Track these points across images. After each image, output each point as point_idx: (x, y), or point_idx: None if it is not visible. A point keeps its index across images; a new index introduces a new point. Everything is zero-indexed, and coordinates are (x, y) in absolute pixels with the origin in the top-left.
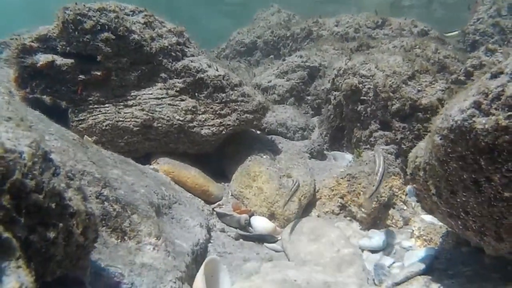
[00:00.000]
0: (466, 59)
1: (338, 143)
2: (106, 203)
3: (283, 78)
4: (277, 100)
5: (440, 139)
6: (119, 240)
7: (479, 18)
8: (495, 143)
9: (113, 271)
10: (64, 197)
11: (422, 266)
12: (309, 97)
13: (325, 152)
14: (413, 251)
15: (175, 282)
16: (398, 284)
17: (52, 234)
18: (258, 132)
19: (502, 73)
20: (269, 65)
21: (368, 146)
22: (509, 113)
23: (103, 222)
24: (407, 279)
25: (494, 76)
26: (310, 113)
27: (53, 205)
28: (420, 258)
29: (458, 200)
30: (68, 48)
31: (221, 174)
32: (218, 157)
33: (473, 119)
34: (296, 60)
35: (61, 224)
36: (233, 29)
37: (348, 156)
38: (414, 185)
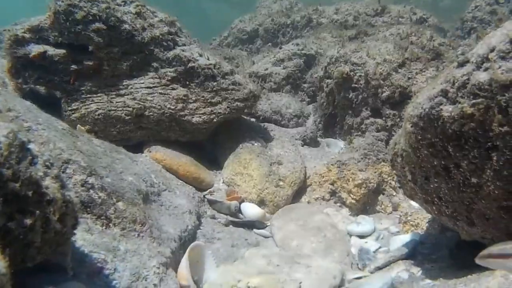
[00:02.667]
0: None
1: (331, 130)
2: (91, 191)
3: (280, 66)
4: (274, 88)
5: (411, 126)
6: (104, 227)
7: (477, 5)
8: (461, 130)
9: (96, 256)
10: (41, 185)
11: (404, 251)
12: (305, 85)
13: (319, 139)
14: (399, 236)
15: (158, 268)
16: (380, 268)
17: (29, 221)
18: (253, 119)
19: (468, 62)
20: (267, 53)
21: (359, 133)
22: (474, 101)
23: (88, 209)
24: (389, 263)
25: (461, 65)
26: (306, 101)
27: (30, 193)
28: (404, 243)
29: (432, 186)
30: (60, 38)
31: (214, 161)
32: (211, 144)
33: (441, 107)
34: (293, 48)
35: (38, 212)
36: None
37: (341, 143)
38: (394, 171)
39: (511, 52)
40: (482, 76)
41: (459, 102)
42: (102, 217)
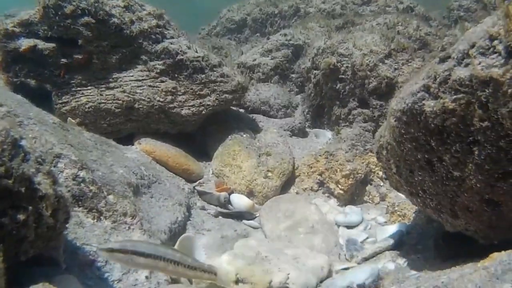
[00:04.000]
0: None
1: (319, 120)
2: (82, 185)
3: (268, 56)
4: (262, 79)
5: (395, 120)
6: (95, 220)
7: None
8: (443, 125)
9: (88, 249)
10: (33, 181)
11: (391, 242)
12: (293, 75)
13: (307, 129)
14: (386, 227)
15: None
16: (367, 259)
17: (22, 217)
18: (242, 110)
19: (449, 57)
20: (256, 43)
21: (347, 123)
22: (455, 96)
23: (80, 203)
24: (376, 254)
25: (442, 60)
26: (295, 91)
27: (22, 189)
28: (391, 233)
29: (416, 179)
30: (49, 32)
31: (204, 152)
32: (200, 135)
33: (423, 102)
34: (281, 38)
35: (31, 207)
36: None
37: (329, 134)
38: (380, 163)
39: (490, 48)
40: (462, 72)
41: (441, 97)
42: (93, 210)
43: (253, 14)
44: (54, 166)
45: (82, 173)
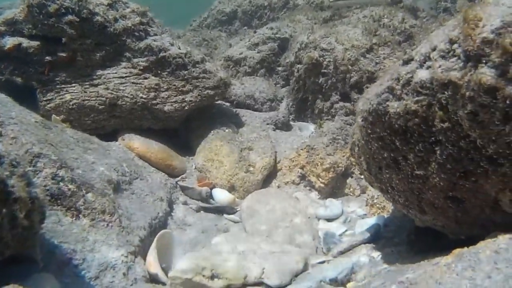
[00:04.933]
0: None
1: (303, 113)
2: (61, 184)
3: (254, 50)
4: (248, 72)
5: (362, 120)
6: (74, 219)
7: None
8: (407, 125)
9: (65, 247)
10: (7, 184)
11: (367, 235)
12: (279, 68)
13: (291, 122)
14: (364, 220)
15: (126, 256)
16: (343, 252)
17: None
18: (227, 103)
19: (412, 60)
20: (244, 36)
21: (329, 117)
22: (417, 98)
23: (58, 201)
24: (352, 247)
25: (406, 62)
26: (281, 84)
27: None
28: (368, 227)
29: (384, 176)
30: (34, 31)
31: (187, 147)
32: (184, 130)
33: (387, 103)
34: (267, 32)
35: (4, 210)
36: None
37: (312, 127)
38: (353, 159)
39: (450, 51)
40: (424, 75)
41: (404, 99)
42: (72, 209)
43: (243, 6)
44: (33, 166)
45: (61, 172)
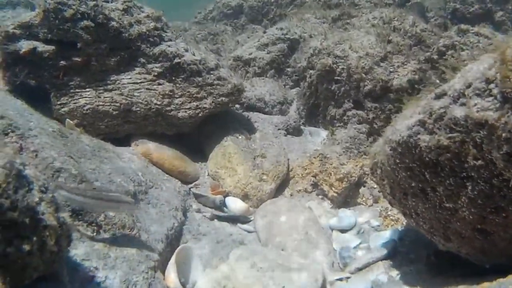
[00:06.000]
0: (441, 33)
1: (314, 119)
2: None
3: (264, 50)
4: (258, 73)
5: (390, 150)
6: (95, 234)
7: None
8: (438, 159)
9: (88, 265)
10: (37, 211)
11: (384, 252)
12: (289, 69)
13: (301, 127)
14: (379, 233)
15: (147, 272)
16: (360, 269)
17: (27, 247)
18: (237, 105)
19: (445, 94)
20: (252, 33)
21: (341, 124)
22: (450, 134)
23: (80, 217)
24: (369, 264)
25: (438, 97)
26: (290, 85)
27: (27, 220)
28: (384, 242)
29: (409, 202)
30: (49, 35)
31: (199, 151)
32: (197, 135)
33: (418, 136)
34: (277, 32)
35: (35, 238)
36: None
37: (323, 133)
38: (374, 178)
39: (486, 91)
40: (458, 112)
41: (436, 134)
42: (93, 224)
43: (249, 1)
44: (55, 181)
45: (81, 187)
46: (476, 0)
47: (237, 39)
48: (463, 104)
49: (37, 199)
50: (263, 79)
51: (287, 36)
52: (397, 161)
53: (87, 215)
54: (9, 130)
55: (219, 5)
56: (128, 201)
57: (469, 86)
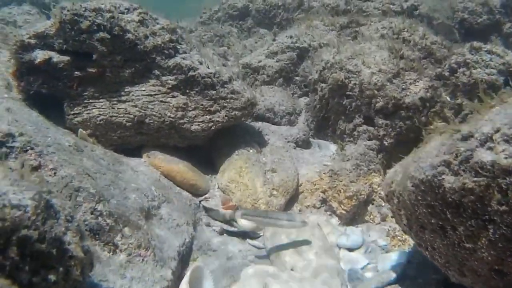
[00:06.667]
0: (452, 46)
1: (323, 132)
2: (100, 218)
3: (273, 58)
4: (266, 81)
5: (412, 186)
6: (111, 253)
7: None
8: (461, 201)
9: (105, 286)
10: (63, 241)
11: (393, 276)
12: (297, 78)
13: (310, 139)
14: (387, 254)
15: None
16: None
17: (53, 277)
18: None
19: (472, 136)
20: (260, 38)
21: (351, 139)
22: (476, 178)
23: (97, 236)
24: None
25: (465, 138)
26: (298, 94)
27: (54, 251)
28: (392, 264)
29: (427, 236)
30: (64, 46)
31: (209, 163)
32: (207, 146)
33: (443, 176)
34: (286, 40)
35: (61, 268)
36: None
37: (332, 147)
38: (389, 205)
39: None
40: (484, 156)
41: (461, 175)
42: (110, 244)
43: (256, 5)
44: (74, 200)
45: (99, 206)
46: (484, 11)
47: (244, 43)
48: (490, 148)
49: (63, 229)
50: (272, 87)
51: (296, 44)
52: (419, 197)
53: (104, 234)
54: (28, 147)
55: (224, 6)
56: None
57: (497, 131)
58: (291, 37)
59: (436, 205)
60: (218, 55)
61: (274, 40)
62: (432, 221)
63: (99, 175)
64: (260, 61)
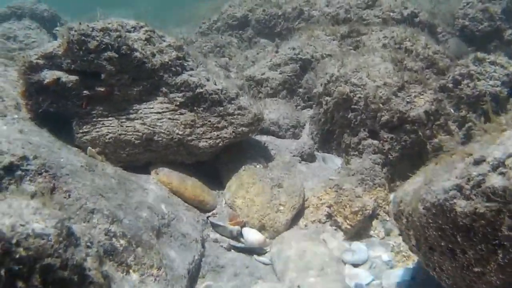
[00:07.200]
0: (454, 56)
1: (327, 145)
2: (114, 239)
3: (276, 70)
4: (270, 93)
5: (423, 208)
6: (125, 274)
7: (468, 1)
8: (472, 225)
9: None
10: (84, 267)
11: None
12: (300, 90)
13: (315, 152)
14: (391, 271)
15: None
16: None
17: None
18: None
19: (484, 161)
20: (261, 49)
21: (356, 152)
22: (488, 203)
23: (111, 257)
24: None
25: (477, 163)
26: (301, 105)
27: (75, 278)
28: (397, 281)
29: (435, 258)
30: (73, 65)
31: (216, 178)
32: (214, 163)
33: (454, 200)
34: (289, 52)
35: None
36: None
37: (337, 160)
38: (397, 224)
39: None
40: (496, 181)
41: (473, 200)
42: (123, 264)
43: (256, 15)
44: (88, 222)
45: (113, 228)
46: (485, 18)
47: (246, 54)
48: (502, 174)
49: (84, 255)
50: (276, 100)
51: (299, 56)
52: (430, 220)
53: (118, 255)
54: (43, 170)
55: (224, 16)
56: None
57: (509, 156)
58: (293, 48)
59: (447, 228)
60: (220, 67)
61: (277, 52)
62: (442, 243)
63: (111, 194)
64: (263, 74)
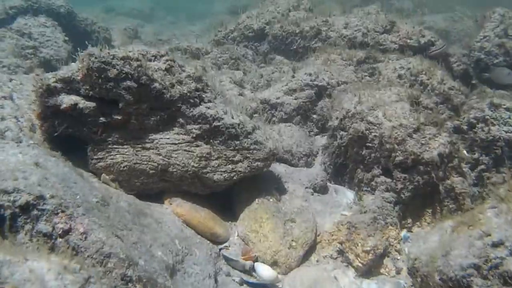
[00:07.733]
0: (469, 93)
1: (340, 177)
2: (130, 284)
3: (291, 95)
4: (284, 118)
5: (439, 279)
6: None
7: (485, 35)
8: None
9: None
10: None
11: None
12: (314, 116)
13: (327, 183)
14: None
15: None
16: None
17: None
18: None
19: (502, 244)
20: (276, 68)
21: (369, 188)
22: (504, 287)
23: None
24: None
25: (495, 245)
26: (315, 131)
27: None
28: None
29: None
30: (91, 92)
31: (229, 208)
32: (227, 192)
33: (472, 278)
34: (305, 78)
35: None
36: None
37: (349, 194)
38: (411, 278)
39: None
40: None
41: (489, 280)
42: None
43: (273, 31)
44: (104, 266)
45: (129, 272)
46: (501, 53)
47: (261, 72)
48: None
49: None
50: (289, 126)
51: (315, 82)
52: None
53: None
54: (59, 210)
55: (240, 27)
56: None
57: None
58: (310, 74)
59: None
60: (235, 83)
61: (293, 76)
62: None
63: (126, 231)
64: (278, 98)
